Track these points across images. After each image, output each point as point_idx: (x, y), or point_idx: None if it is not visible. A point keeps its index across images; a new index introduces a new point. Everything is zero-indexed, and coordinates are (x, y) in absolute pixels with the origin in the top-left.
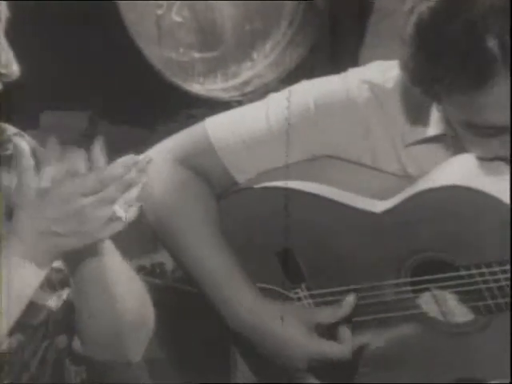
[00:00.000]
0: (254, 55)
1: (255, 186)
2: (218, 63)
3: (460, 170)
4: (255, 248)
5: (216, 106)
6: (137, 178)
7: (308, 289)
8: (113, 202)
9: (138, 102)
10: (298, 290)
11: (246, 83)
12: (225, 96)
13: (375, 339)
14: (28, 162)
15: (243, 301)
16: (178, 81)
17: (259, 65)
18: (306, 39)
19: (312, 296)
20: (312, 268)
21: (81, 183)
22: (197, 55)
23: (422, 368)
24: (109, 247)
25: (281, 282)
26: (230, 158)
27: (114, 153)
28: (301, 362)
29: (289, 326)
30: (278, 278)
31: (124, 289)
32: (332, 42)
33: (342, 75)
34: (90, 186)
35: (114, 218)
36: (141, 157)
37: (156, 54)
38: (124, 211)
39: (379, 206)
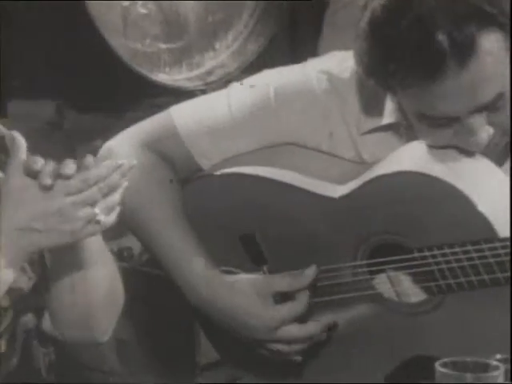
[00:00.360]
0: (217, 45)
1: (219, 172)
2: (183, 53)
3: (412, 156)
4: (219, 232)
5: (181, 94)
6: (119, 182)
7: (270, 271)
8: (94, 203)
9: (104, 91)
10: (260, 273)
11: (209, 73)
12: (189, 85)
13: (332, 320)
14: (23, 155)
15: (202, 277)
16: (144, 71)
17: (222, 55)
18: (266, 30)
19: None
20: (273, 251)
21: (64, 182)
22: (162, 46)
23: (377, 347)
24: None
25: (243, 264)
26: (195, 144)
27: (81, 140)
28: (260, 333)
29: (244, 297)
30: (241, 260)
31: (98, 270)
32: (291, 32)
33: (302, 65)
34: (73, 185)
35: (93, 221)
36: (124, 161)
37: (122, 44)
38: (104, 215)
39: (337, 192)
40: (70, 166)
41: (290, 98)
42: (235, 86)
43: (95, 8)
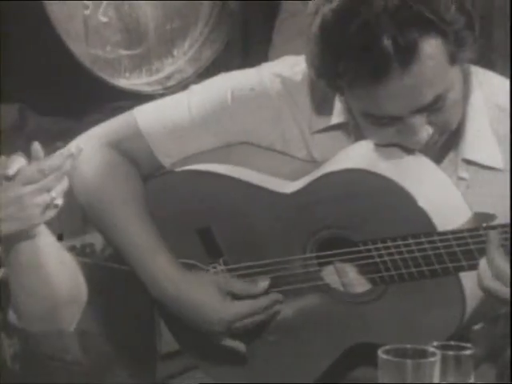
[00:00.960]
0: (175, 52)
1: (179, 169)
2: (143, 59)
3: (359, 154)
4: (178, 226)
5: (141, 98)
6: (71, 168)
7: (225, 263)
8: (50, 190)
9: (66, 95)
10: (216, 265)
11: (168, 78)
12: (149, 89)
13: (284, 309)
14: None
15: (165, 271)
16: (105, 76)
17: (179, 61)
18: (220, 37)
19: (228, 270)
20: (229, 244)
21: (21, 173)
22: (123, 52)
23: (324, 335)
24: (42, 228)
25: (200, 257)
26: (156, 143)
27: (43, 142)
28: (217, 326)
29: (204, 293)
30: (198, 253)
31: (57, 266)
32: (243, 39)
33: (256, 69)
34: (30, 175)
35: (51, 205)
36: (73, 148)
37: (84, 51)
38: (60, 198)
39: (288, 188)
40: (16, 161)
41: (245, 100)
42: (194, 88)
43: (57, 16)
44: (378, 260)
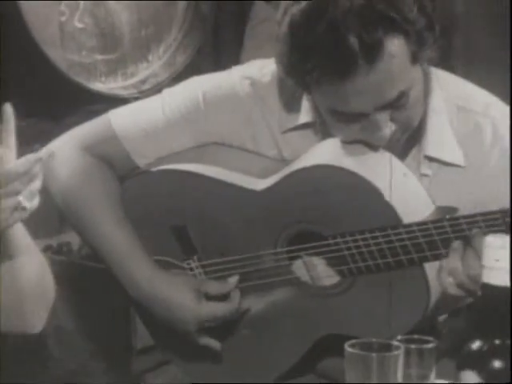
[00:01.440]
0: (150, 57)
1: (154, 169)
2: (118, 64)
3: (326, 151)
4: (153, 224)
5: (116, 102)
6: (40, 172)
7: (199, 260)
8: (18, 193)
9: (43, 98)
10: (191, 262)
11: (142, 82)
12: (124, 93)
13: (255, 303)
14: None
15: (142, 272)
16: (81, 80)
17: (154, 65)
18: (193, 42)
19: (202, 266)
20: (203, 241)
21: None
22: (98, 57)
23: (295, 327)
24: (12, 230)
25: (175, 254)
26: (132, 145)
27: (20, 144)
28: (192, 325)
29: (179, 292)
30: (173, 251)
31: (25, 264)
32: (215, 45)
33: (227, 72)
34: None
35: (18, 208)
36: (43, 152)
37: (60, 56)
38: (28, 201)
39: (259, 185)
40: None
41: (216, 102)
42: (168, 91)
43: (33, 22)
44: (346, 253)
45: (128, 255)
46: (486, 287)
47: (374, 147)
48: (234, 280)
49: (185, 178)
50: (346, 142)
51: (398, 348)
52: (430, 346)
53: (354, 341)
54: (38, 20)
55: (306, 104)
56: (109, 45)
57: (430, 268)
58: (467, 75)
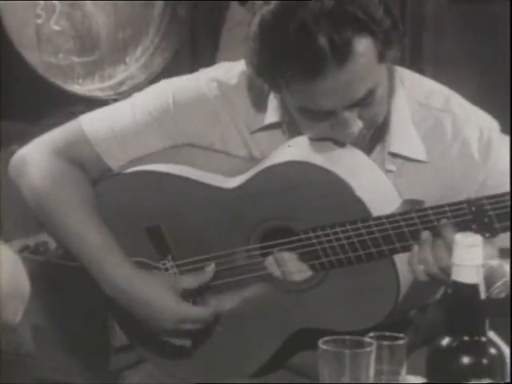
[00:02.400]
0: (127, 59)
1: (126, 171)
2: (96, 66)
3: (296, 149)
4: (128, 226)
5: (94, 103)
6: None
7: (174, 259)
8: None
9: (21, 100)
10: (166, 262)
11: (120, 83)
12: (102, 95)
13: (230, 301)
14: None
15: (120, 271)
16: (58, 82)
17: (131, 67)
18: (170, 45)
19: (177, 266)
20: (177, 241)
21: None
22: (76, 59)
23: (268, 323)
24: None
25: (150, 255)
26: (104, 148)
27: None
28: (168, 324)
29: (158, 292)
30: (148, 251)
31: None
32: (192, 47)
33: (195, 75)
34: None
35: None
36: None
37: (37, 58)
38: None
39: (230, 183)
40: None
41: (185, 104)
42: (139, 95)
43: (10, 25)
44: (318, 247)
45: (105, 255)
46: (456, 285)
47: (342, 144)
48: (210, 268)
49: (156, 179)
50: (315, 139)
51: (370, 344)
52: (401, 342)
53: (327, 338)
54: (14, 22)
55: (272, 104)
56: (86, 47)
57: (398, 259)
58: (435, 78)
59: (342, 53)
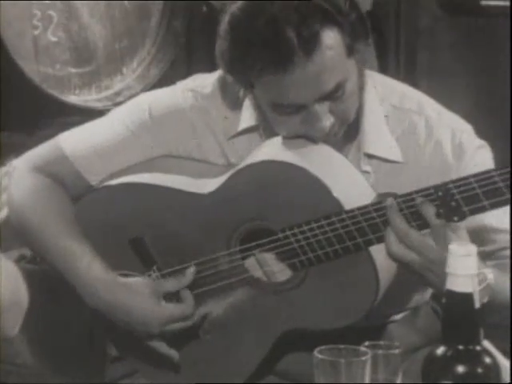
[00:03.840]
0: (124, 70)
1: (105, 184)
2: (92, 77)
3: (269, 149)
4: (111, 239)
5: (91, 114)
6: (7, 185)
7: (159, 269)
8: None
9: (17, 111)
10: (151, 272)
11: (117, 94)
12: (99, 105)
13: (215, 308)
14: None
15: (101, 280)
16: (55, 93)
17: (128, 78)
18: (166, 56)
19: (163, 275)
20: (160, 251)
21: None
22: (72, 70)
23: (255, 326)
24: None
25: (136, 267)
26: (83, 163)
27: None
28: (154, 327)
29: (139, 297)
30: (134, 263)
31: None
32: (188, 58)
33: (172, 87)
34: None
35: None
36: (8, 167)
37: (34, 69)
38: None
39: (207, 188)
40: None
41: (161, 115)
42: (117, 110)
43: (7, 36)
44: (296, 245)
45: (84, 264)
46: (450, 294)
47: (315, 142)
48: (191, 271)
49: (135, 190)
50: (288, 138)
51: (365, 354)
52: (396, 351)
53: (323, 347)
54: (11, 33)
55: (247, 109)
56: (83, 58)
57: (376, 252)
58: (429, 89)
59: (310, 44)
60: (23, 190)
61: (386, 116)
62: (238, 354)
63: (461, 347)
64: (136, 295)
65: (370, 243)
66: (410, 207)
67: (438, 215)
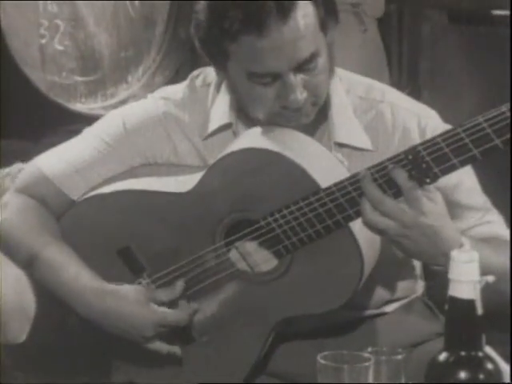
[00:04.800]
0: (129, 78)
1: (84, 197)
2: (98, 85)
3: (241, 140)
4: (99, 251)
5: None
6: (10, 185)
7: (149, 276)
8: None
9: (24, 118)
10: (141, 280)
11: (122, 102)
12: (104, 113)
13: (209, 306)
14: None
15: (91, 289)
16: (61, 101)
17: (134, 86)
18: (171, 64)
19: (153, 281)
20: (149, 257)
21: None
22: (79, 79)
23: (248, 320)
24: None
25: (125, 276)
26: (63, 181)
27: (4, 161)
28: (147, 331)
29: (130, 300)
30: (122, 273)
31: (2, 283)
32: (192, 66)
33: (142, 99)
34: None
35: None
36: (12, 168)
37: (40, 77)
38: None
39: (186, 187)
40: None
41: (136, 125)
42: (90, 127)
43: (14, 45)
44: (279, 231)
45: (73, 275)
46: (453, 300)
47: (289, 128)
48: (179, 284)
49: (113, 199)
50: (262, 120)
51: (368, 359)
52: (399, 357)
53: (326, 353)
54: (19, 43)
55: (219, 108)
56: (89, 67)
57: (358, 229)
58: (431, 99)
59: (286, 9)
60: (8, 211)
61: (353, 107)
62: (235, 352)
63: (463, 353)
64: (125, 300)
65: (349, 219)
66: (384, 176)
67: (410, 178)
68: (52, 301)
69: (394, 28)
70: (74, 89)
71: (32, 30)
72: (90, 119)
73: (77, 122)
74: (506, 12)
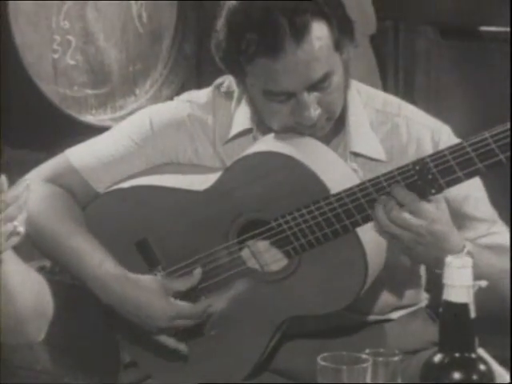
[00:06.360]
0: (137, 91)
1: (105, 191)
2: (108, 98)
3: (259, 144)
4: (118, 243)
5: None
6: (28, 198)
7: (164, 269)
8: (13, 219)
9: (36, 129)
10: (156, 272)
11: (131, 114)
12: (114, 125)
13: (220, 301)
14: None
15: (113, 276)
16: (72, 113)
17: (141, 99)
18: (177, 78)
19: (168, 274)
20: (164, 250)
21: None
22: (89, 91)
23: (255, 319)
24: (7, 254)
25: (141, 268)
26: (90, 174)
27: (17, 172)
28: (162, 321)
29: (149, 292)
30: (138, 265)
31: (21, 287)
32: (198, 79)
33: (169, 101)
34: None
35: (14, 233)
36: (28, 181)
37: (53, 90)
38: (22, 226)
39: (203, 185)
40: None
41: (162, 125)
42: (119, 124)
43: (28, 59)
44: (289, 233)
45: (97, 262)
46: (447, 304)
47: (305, 136)
48: (197, 272)
49: (134, 194)
50: (279, 132)
51: (366, 361)
52: (396, 358)
53: (325, 354)
54: (32, 57)
55: (241, 113)
56: (99, 80)
57: (364, 233)
58: (429, 112)
59: (301, 33)
60: (36, 199)
61: (369, 119)
62: (242, 348)
63: (457, 354)
64: (145, 290)
65: (356, 224)
66: (391, 185)
67: (415, 187)
68: (64, 304)
69: (390, 43)
70: (85, 101)
71: (45, 45)
72: (99, 130)
73: (87, 133)
74: (495, 28)
